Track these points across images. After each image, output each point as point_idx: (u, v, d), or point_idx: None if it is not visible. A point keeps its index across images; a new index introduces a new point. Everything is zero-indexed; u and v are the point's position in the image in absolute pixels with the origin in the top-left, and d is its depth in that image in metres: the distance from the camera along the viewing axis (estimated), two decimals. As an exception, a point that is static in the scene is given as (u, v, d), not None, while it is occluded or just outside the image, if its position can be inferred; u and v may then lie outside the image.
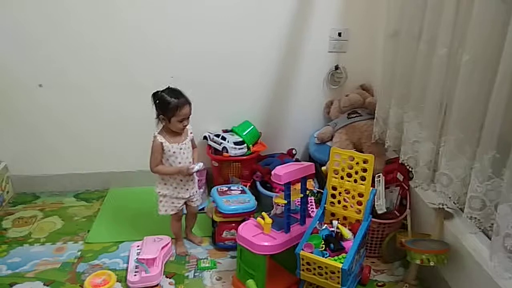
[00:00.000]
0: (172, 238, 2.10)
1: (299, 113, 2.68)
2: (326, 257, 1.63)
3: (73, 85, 2.46)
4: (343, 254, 1.64)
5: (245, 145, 2.49)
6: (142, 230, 2.20)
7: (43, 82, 2.43)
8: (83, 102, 2.52)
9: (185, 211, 2.11)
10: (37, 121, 2.52)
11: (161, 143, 1.86)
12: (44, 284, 1.87)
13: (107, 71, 2.46)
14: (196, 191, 2.05)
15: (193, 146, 2.01)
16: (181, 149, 1.90)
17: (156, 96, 1.83)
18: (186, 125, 1.88)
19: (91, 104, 2.52)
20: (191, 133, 1.97)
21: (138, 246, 2.05)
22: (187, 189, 1.99)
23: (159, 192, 1.97)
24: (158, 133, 1.88)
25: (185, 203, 2.04)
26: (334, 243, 1.68)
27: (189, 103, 1.85)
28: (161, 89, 1.84)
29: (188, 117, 1.87)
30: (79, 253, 2.09)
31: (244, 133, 2.53)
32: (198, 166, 1.92)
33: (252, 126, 2.57)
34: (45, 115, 2.51)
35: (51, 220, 2.37)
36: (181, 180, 1.96)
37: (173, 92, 1.84)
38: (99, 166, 2.68)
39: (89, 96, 2.50)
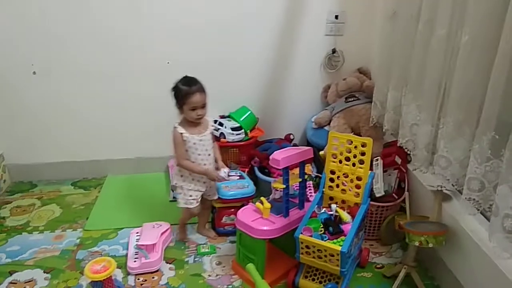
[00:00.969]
0: (174, 224, 2.09)
1: (296, 97, 2.66)
2: (325, 241, 1.64)
3: (71, 72, 2.44)
4: (342, 237, 1.65)
5: (243, 130, 2.48)
6: (141, 216, 2.20)
7: (39, 69, 2.40)
8: (79, 90, 2.49)
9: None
10: (33, 109, 2.50)
11: (181, 133, 1.82)
12: (44, 272, 1.87)
13: (104, 58, 2.43)
14: (214, 185, 2.01)
15: (213, 140, 1.95)
16: (201, 140, 1.85)
17: (173, 85, 1.82)
18: (200, 115, 1.81)
19: (88, 92, 2.50)
20: (212, 126, 1.93)
21: (137, 233, 2.05)
22: (204, 182, 1.94)
23: (176, 184, 1.93)
24: (178, 124, 1.84)
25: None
26: (333, 227, 1.68)
27: (202, 92, 1.80)
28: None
29: (203, 107, 1.82)
30: (78, 240, 2.09)
31: (241, 119, 2.51)
32: (225, 172, 1.90)
33: (249, 112, 2.55)
34: (41, 103, 2.49)
35: (49, 208, 2.36)
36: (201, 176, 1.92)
37: (187, 80, 1.81)
38: (96, 154, 2.66)
39: (86, 83, 2.48)
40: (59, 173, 2.65)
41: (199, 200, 1.96)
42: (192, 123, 1.84)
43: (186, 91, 1.77)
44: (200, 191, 1.95)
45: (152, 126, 2.60)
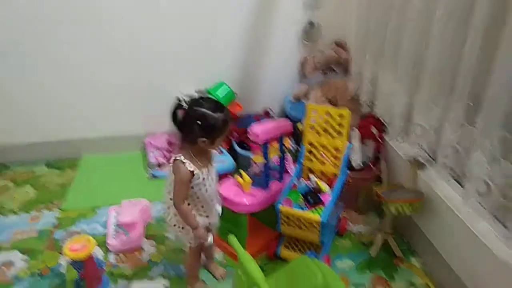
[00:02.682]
0: (153, 201, 2.07)
1: (274, 71, 2.64)
2: (305, 211, 1.66)
3: (42, 50, 2.33)
4: (321, 207, 1.68)
5: (220, 106, 2.45)
6: (118, 195, 2.16)
7: (7, 47, 2.29)
8: (52, 68, 2.39)
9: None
10: (4, 88, 2.38)
11: (191, 171, 1.41)
12: (22, 253, 1.84)
13: (76, 35, 2.32)
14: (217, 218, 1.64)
15: None
16: (208, 172, 1.49)
17: (194, 115, 1.37)
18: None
19: (61, 69, 2.40)
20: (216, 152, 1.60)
21: (116, 211, 2.03)
22: (207, 216, 1.55)
23: (175, 225, 1.54)
24: (185, 158, 1.41)
25: None
26: (312, 197, 1.71)
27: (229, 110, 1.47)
28: (191, 102, 1.40)
29: None
30: (56, 220, 2.05)
31: (219, 94, 2.48)
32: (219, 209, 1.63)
33: (227, 87, 2.52)
34: (13, 82, 2.38)
35: (23, 190, 2.30)
36: (202, 206, 1.52)
37: (211, 103, 1.40)
38: (70, 133, 2.59)
39: (58, 61, 2.37)
40: (32, 154, 2.57)
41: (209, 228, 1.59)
42: (201, 153, 1.45)
43: (224, 119, 1.38)
44: (204, 225, 1.54)
45: (127, 104, 2.55)
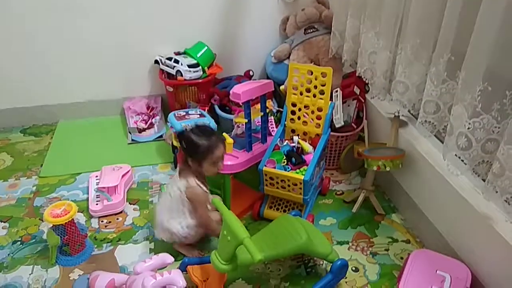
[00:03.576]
0: (135, 166, 2.05)
1: (254, 31, 2.56)
2: (288, 171, 1.66)
3: (13, 13, 2.21)
4: (304, 167, 1.68)
5: (200, 67, 2.39)
6: (99, 160, 2.13)
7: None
8: (24, 31, 2.27)
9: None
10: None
11: (205, 192, 1.58)
12: (1, 221, 1.81)
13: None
14: None
15: None
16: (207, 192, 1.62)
17: (182, 137, 1.55)
18: (221, 168, 1.59)
19: (35, 33, 2.28)
20: None
21: (96, 176, 2.00)
22: None
23: (188, 225, 1.59)
24: (196, 182, 1.55)
25: None
26: (295, 157, 1.71)
27: (222, 142, 1.58)
28: (188, 127, 1.58)
29: (223, 158, 1.60)
30: (34, 188, 2.01)
31: (198, 55, 2.41)
32: None
33: (206, 47, 2.44)
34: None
35: (-1, 158, 2.24)
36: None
37: (202, 131, 1.55)
38: (46, 99, 2.50)
39: (31, 24, 2.25)
40: (6, 121, 2.48)
41: None
42: (201, 175, 1.59)
43: (208, 146, 1.51)
44: None
45: (104, 67, 2.46)
